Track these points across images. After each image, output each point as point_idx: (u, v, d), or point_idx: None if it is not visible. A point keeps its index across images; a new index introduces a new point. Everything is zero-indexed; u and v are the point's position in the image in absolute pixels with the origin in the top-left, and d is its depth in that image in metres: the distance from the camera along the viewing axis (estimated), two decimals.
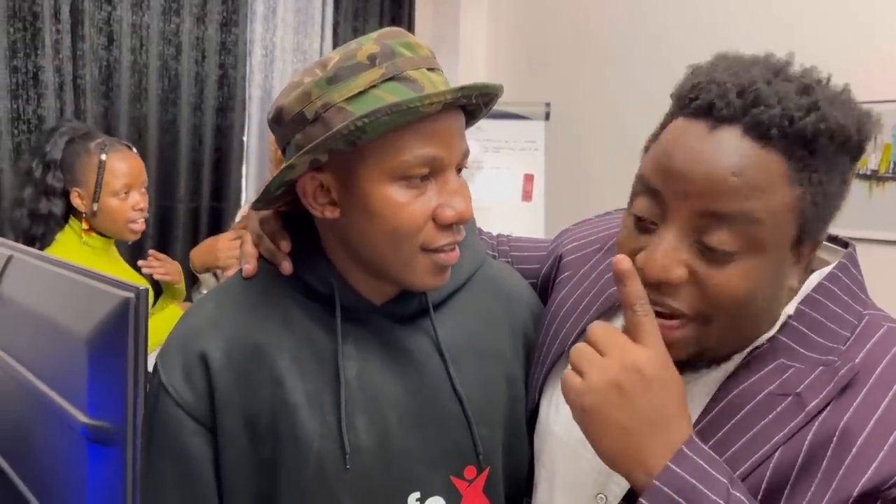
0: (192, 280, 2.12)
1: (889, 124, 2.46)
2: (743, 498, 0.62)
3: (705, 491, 0.61)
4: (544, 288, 0.98)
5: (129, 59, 2.85)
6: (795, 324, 0.70)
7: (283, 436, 0.79)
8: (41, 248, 1.71)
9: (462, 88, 0.75)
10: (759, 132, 0.64)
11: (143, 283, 0.90)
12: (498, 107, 0.89)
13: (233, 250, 1.99)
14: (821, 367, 0.67)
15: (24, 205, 1.76)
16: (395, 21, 3.63)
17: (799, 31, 2.53)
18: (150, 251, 2.01)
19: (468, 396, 0.84)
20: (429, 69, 0.77)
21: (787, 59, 0.70)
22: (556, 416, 0.84)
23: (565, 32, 3.39)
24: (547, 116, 3.31)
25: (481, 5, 3.67)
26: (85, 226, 1.79)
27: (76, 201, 1.77)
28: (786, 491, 0.65)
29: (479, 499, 0.85)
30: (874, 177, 2.50)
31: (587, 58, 3.28)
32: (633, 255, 0.69)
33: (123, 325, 0.71)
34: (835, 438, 0.64)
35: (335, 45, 3.45)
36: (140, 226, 1.85)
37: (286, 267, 0.84)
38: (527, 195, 3.31)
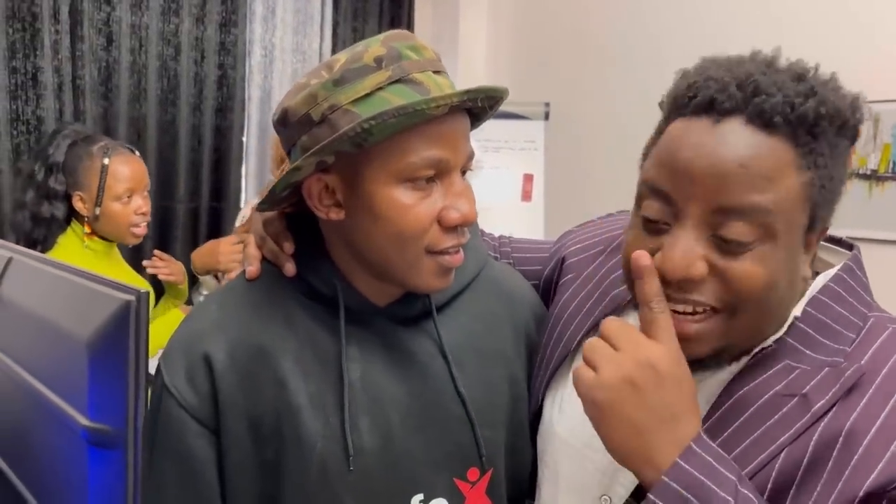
0: (192, 281, 2.12)
1: (889, 124, 2.46)
2: (751, 496, 0.62)
3: (714, 487, 0.61)
4: (546, 290, 0.98)
5: (128, 59, 2.85)
6: (802, 325, 0.70)
7: (287, 437, 0.79)
8: (43, 252, 1.71)
9: (468, 91, 0.75)
10: (763, 121, 0.64)
11: (144, 286, 0.90)
12: None
13: (234, 254, 1.99)
14: (827, 369, 0.67)
15: (25, 208, 1.75)
16: (394, 21, 3.63)
17: (798, 31, 2.53)
18: (155, 251, 2.01)
19: (471, 398, 0.85)
20: (434, 72, 0.77)
21: (775, 54, 0.71)
22: (559, 418, 0.84)
23: (565, 32, 3.39)
24: (546, 116, 3.31)
25: (481, 5, 3.67)
26: (87, 229, 1.79)
27: (78, 205, 1.76)
28: (791, 491, 0.65)
29: (482, 500, 0.85)
30: (874, 176, 2.50)
31: (587, 58, 3.28)
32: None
33: (124, 327, 0.71)
34: (841, 439, 0.64)
35: (334, 45, 3.45)
36: (142, 230, 1.84)
37: (289, 268, 0.84)
38: (526, 195, 3.31)
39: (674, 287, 0.67)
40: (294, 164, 0.76)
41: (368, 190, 0.76)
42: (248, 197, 3.25)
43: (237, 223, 2.36)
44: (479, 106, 0.80)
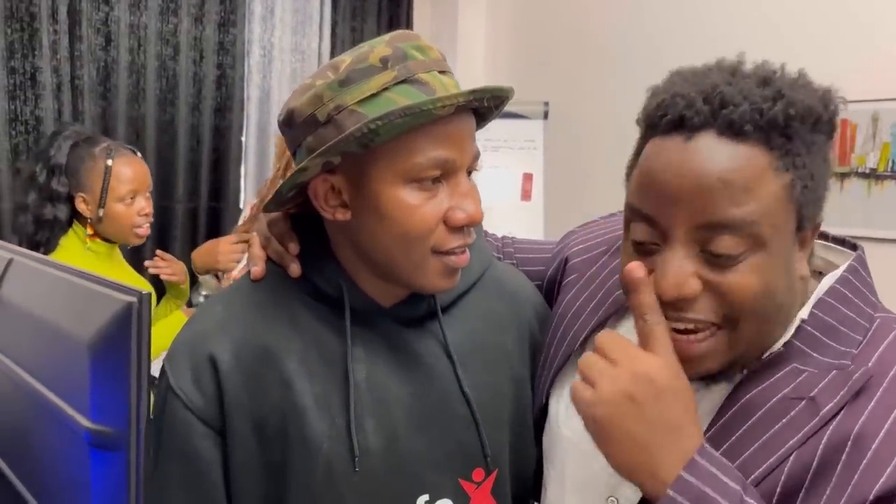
0: (192, 281, 2.13)
1: (888, 123, 2.46)
2: None
3: (718, 498, 0.61)
4: (550, 290, 0.98)
5: (126, 59, 2.85)
6: (808, 328, 0.70)
7: (292, 438, 0.79)
8: (45, 254, 1.70)
9: (474, 91, 0.75)
10: (734, 131, 0.64)
11: (146, 287, 0.89)
12: None
13: (233, 253, 1.99)
14: (834, 371, 0.67)
15: (28, 210, 1.74)
16: (392, 20, 3.63)
17: (797, 31, 2.53)
18: (157, 251, 2.02)
19: (476, 398, 0.85)
20: (440, 72, 0.78)
21: (739, 59, 0.71)
22: (565, 418, 0.84)
23: (564, 31, 3.39)
24: (546, 115, 3.31)
25: (479, 5, 3.67)
26: (90, 231, 1.78)
27: (81, 207, 1.76)
28: (800, 495, 0.64)
29: (488, 501, 0.85)
30: (873, 175, 2.50)
31: (586, 57, 3.28)
32: None
33: (126, 328, 0.71)
34: (849, 443, 0.64)
35: (333, 44, 3.44)
36: (145, 231, 1.84)
37: (294, 269, 0.84)
38: (526, 194, 3.31)
39: (671, 307, 0.67)
40: (300, 164, 0.76)
41: (374, 190, 0.76)
42: (248, 197, 3.25)
43: (240, 223, 2.36)
44: (486, 106, 0.80)
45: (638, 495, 0.68)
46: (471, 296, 0.90)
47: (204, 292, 2.44)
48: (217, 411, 0.79)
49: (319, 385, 0.80)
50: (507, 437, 0.87)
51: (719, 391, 0.73)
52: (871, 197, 2.50)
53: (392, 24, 3.62)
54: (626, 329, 0.83)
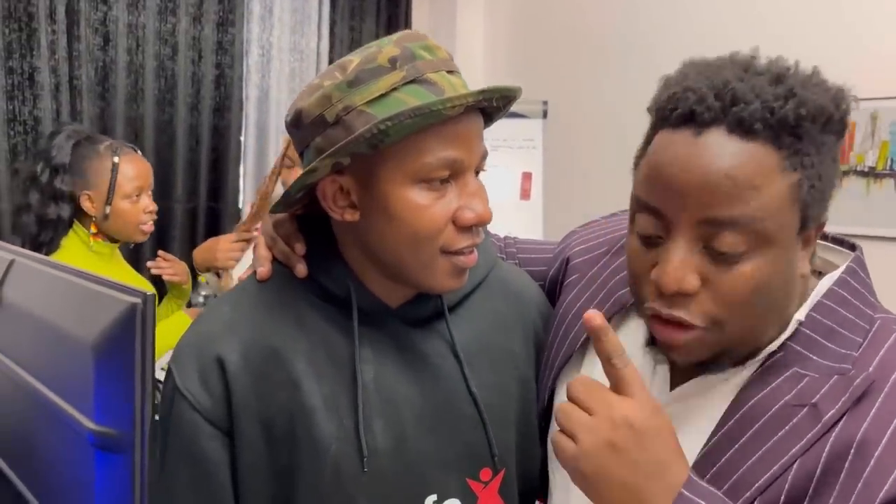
0: (193, 281, 2.13)
1: (886, 121, 2.46)
2: None
3: None
4: (551, 290, 0.98)
5: (125, 59, 2.84)
6: (808, 331, 0.70)
7: (300, 439, 0.79)
8: (47, 254, 1.70)
9: (483, 91, 0.75)
10: (744, 129, 0.64)
11: (148, 288, 0.89)
12: None
13: (231, 251, 2.00)
14: (836, 377, 0.67)
15: (31, 210, 1.73)
16: (391, 20, 3.62)
17: (795, 29, 2.54)
18: (159, 252, 2.02)
19: (483, 398, 0.85)
20: (448, 72, 0.78)
21: (753, 54, 0.70)
22: None
23: (562, 30, 3.39)
24: (544, 115, 3.31)
25: (478, 4, 3.67)
26: (93, 229, 1.78)
27: (86, 205, 1.75)
28: (805, 503, 0.65)
29: (495, 500, 0.86)
30: (871, 174, 2.51)
31: (584, 56, 3.28)
32: (646, 272, 0.70)
33: (130, 330, 0.70)
34: (853, 450, 0.64)
35: (332, 44, 3.44)
36: (149, 228, 1.86)
37: (301, 270, 0.84)
38: (525, 193, 3.31)
39: (666, 299, 0.67)
40: (310, 166, 0.75)
41: (383, 191, 0.75)
42: (247, 197, 3.25)
43: (241, 221, 2.36)
44: (494, 106, 0.80)
45: None
46: (476, 296, 0.90)
47: (203, 293, 2.44)
48: (225, 412, 0.79)
49: (327, 386, 0.80)
50: (513, 437, 0.88)
51: (721, 394, 0.73)
52: (870, 195, 2.51)
53: (390, 24, 3.61)
54: (629, 328, 0.83)
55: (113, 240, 1.83)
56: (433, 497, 0.82)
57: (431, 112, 0.71)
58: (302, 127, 0.79)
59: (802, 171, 0.66)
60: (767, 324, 0.70)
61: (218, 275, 2.05)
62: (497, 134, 3.22)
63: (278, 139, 3.24)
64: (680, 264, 0.66)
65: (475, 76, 3.54)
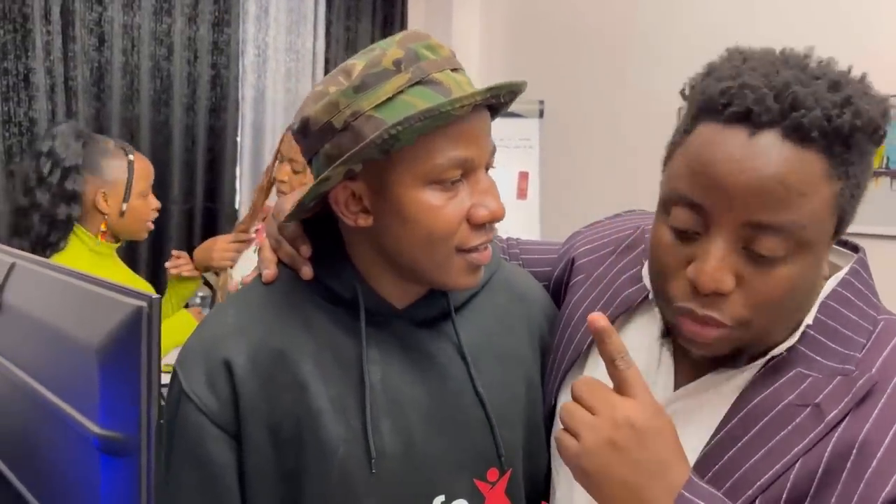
0: None
1: None
2: None
3: None
4: (556, 291, 0.98)
5: (120, 59, 2.84)
6: (812, 332, 0.70)
7: (307, 442, 0.79)
8: (51, 255, 1.69)
9: (490, 89, 0.75)
10: (800, 135, 0.63)
11: (148, 288, 0.89)
12: None
13: (227, 252, 2.00)
14: (839, 377, 0.67)
15: (38, 211, 1.71)
16: (387, 19, 3.62)
17: (794, 29, 2.54)
18: (173, 251, 2.05)
19: (489, 399, 0.85)
20: (452, 70, 0.77)
21: (807, 53, 0.69)
22: None
23: (559, 30, 3.39)
24: (541, 114, 3.31)
25: (473, 3, 3.66)
26: (103, 227, 1.77)
27: (101, 204, 1.75)
28: (806, 502, 0.65)
29: (502, 500, 0.85)
30: None
31: (581, 55, 3.29)
32: (678, 267, 0.69)
33: (136, 333, 0.70)
34: (855, 450, 0.64)
35: (328, 44, 3.44)
36: (151, 225, 1.87)
37: (307, 272, 0.84)
38: (522, 193, 3.31)
39: (701, 298, 0.67)
40: (322, 174, 0.75)
41: (396, 194, 0.75)
42: (243, 197, 3.24)
43: (239, 221, 2.37)
44: (500, 102, 0.80)
45: None
46: (482, 297, 0.90)
47: (200, 293, 2.43)
48: (232, 415, 0.79)
49: (335, 388, 0.80)
50: (520, 437, 0.87)
51: (724, 394, 0.73)
52: (868, 193, 2.52)
53: (386, 24, 3.61)
54: (639, 323, 0.83)
55: (116, 239, 1.83)
56: (441, 497, 0.82)
57: (441, 114, 0.71)
58: (310, 135, 0.78)
59: (846, 181, 0.65)
60: (790, 322, 0.70)
61: (217, 274, 2.05)
62: (494, 133, 3.20)
63: (275, 139, 3.24)
64: (719, 264, 0.65)
65: (471, 76, 3.50)
